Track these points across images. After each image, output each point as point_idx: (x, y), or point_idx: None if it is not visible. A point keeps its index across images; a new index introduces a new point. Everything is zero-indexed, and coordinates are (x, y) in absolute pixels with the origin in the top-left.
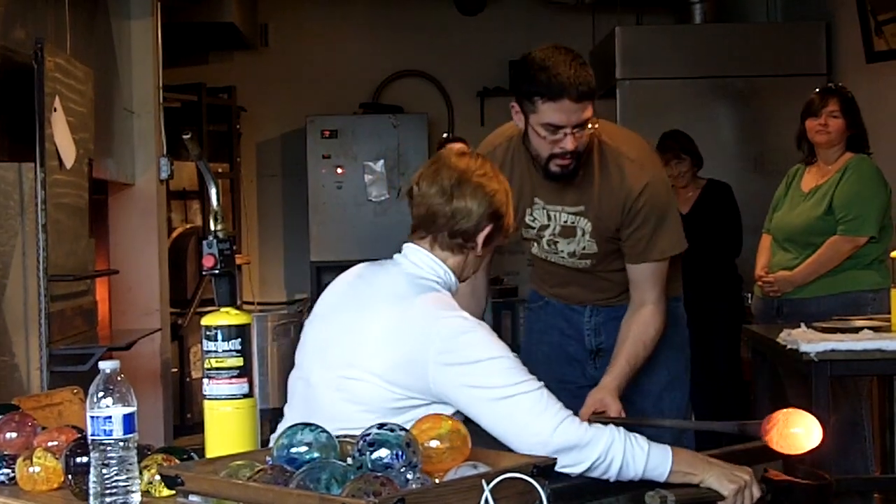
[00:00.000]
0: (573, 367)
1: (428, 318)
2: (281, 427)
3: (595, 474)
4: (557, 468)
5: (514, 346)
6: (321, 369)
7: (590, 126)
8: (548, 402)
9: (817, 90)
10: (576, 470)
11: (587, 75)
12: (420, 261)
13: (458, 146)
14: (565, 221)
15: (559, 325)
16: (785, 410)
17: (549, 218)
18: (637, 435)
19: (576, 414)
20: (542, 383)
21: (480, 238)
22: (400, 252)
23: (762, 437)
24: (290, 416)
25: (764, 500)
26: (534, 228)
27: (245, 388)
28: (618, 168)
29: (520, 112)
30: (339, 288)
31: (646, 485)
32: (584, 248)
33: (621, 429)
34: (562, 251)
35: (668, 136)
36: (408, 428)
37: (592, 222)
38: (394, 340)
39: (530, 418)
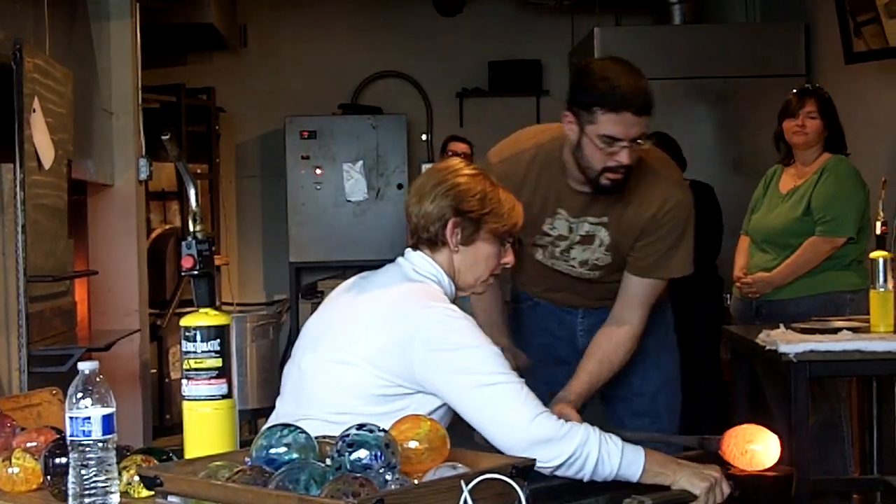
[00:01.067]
0: (563, 368)
1: (417, 305)
2: (271, 420)
3: (571, 472)
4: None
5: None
6: (312, 354)
7: (642, 141)
8: (527, 395)
9: (794, 91)
10: (552, 464)
11: (648, 89)
12: (417, 262)
13: (461, 146)
14: (587, 231)
15: (550, 327)
16: (743, 426)
17: (570, 230)
18: (611, 434)
19: None
20: (522, 379)
21: (449, 232)
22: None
23: (721, 453)
24: (281, 405)
25: (732, 496)
26: (550, 237)
27: (224, 389)
28: (647, 183)
29: (574, 122)
30: (342, 287)
31: (619, 486)
32: (597, 259)
33: (596, 427)
34: (574, 258)
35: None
36: (393, 422)
37: (612, 235)
38: (383, 325)
39: (509, 408)
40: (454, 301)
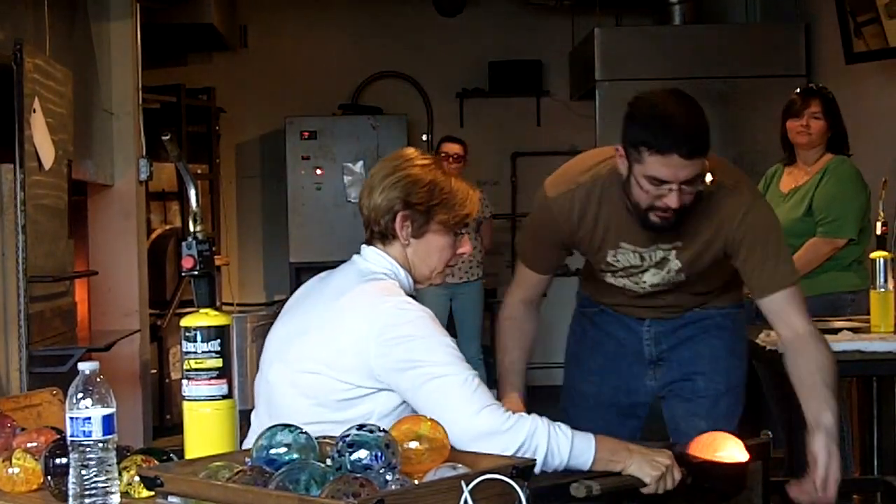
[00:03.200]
0: (629, 377)
1: (371, 301)
2: (250, 436)
3: None
4: None
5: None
6: (279, 366)
7: (700, 183)
8: (476, 387)
9: (798, 90)
10: None
11: (701, 130)
12: (371, 258)
13: (454, 147)
14: (661, 258)
15: (617, 335)
16: (710, 434)
17: (641, 258)
18: (560, 424)
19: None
20: (476, 372)
21: (398, 226)
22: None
23: (690, 458)
24: (255, 420)
25: (685, 482)
26: (616, 268)
27: (224, 390)
28: (715, 199)
29: (624, 157)
30: (301, 291)
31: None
32: (670, 279)
33: (544, 417)
34: (645, 282)
35: None
36: (386, 427)
37: (686, 258)
38: (339, 327)
39: (458, 399)
40: (413, 294)
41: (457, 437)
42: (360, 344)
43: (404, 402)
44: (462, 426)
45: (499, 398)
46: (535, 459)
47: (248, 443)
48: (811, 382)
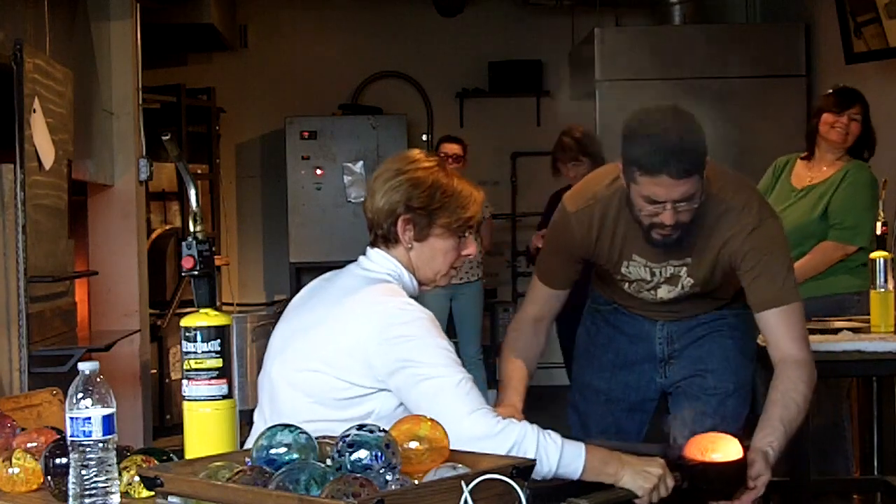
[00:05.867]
0: (640, 374)
1: (372, 302)
2: (254, 433)
3: None
4: None
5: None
6: (280, 365)
7: (697, 199)
8: (469, 391)
9: (840, 87)
10: None
11: (693, 149)
12: (376, 259)
13: (453, 147)
14: (671, 273)
15: (629, 332)
16: (706, 435)
17: (652, 274)
18: (550, 431)
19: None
20: (470, 376)
21: (400, 230)
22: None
23: (685, 462)
24: (258, 419)
25: (680, 487)
26: (629, 279)
27: (224, 390)
28: (723, 218)
29: (624, 176)
30: (304, 292)
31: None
32: (683, 292)
33: (535, 424)
34: (660, 296)
35: (566, 134)
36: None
37: (696, 273)
38: (340, 327)
39: (446, 403)
40: (417, 296)
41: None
42: (360, 343)
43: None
44: (451, 429)
45: (496, 404)
46: (535, 460)
47: (252, 440)
48: (771, 413)
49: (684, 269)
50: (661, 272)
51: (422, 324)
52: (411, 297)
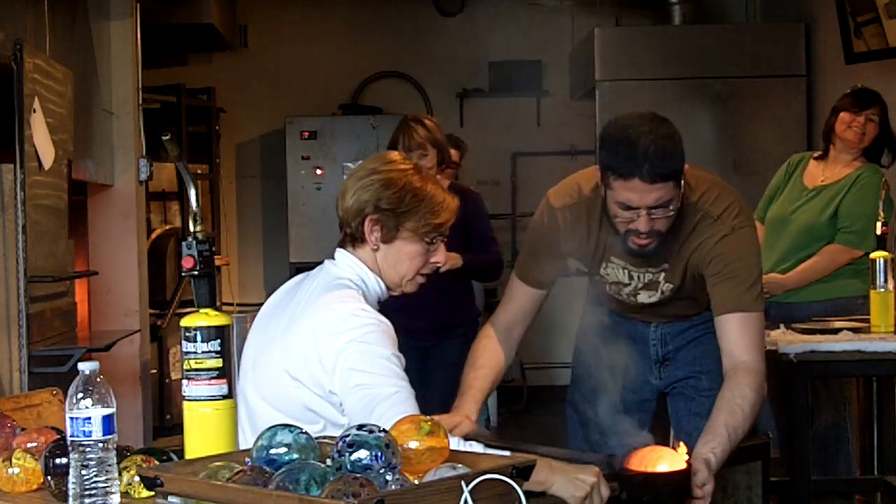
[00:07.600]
0: (636, 375)
1: (325, 308)
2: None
3: None
4: None
5: None
6: (252, 382)
7: (673, 207)
8: (404, 401)
9: (859, 87)
10: None
11: (667, 154)
12: (340, 262)
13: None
14: (649, 280)
15: (625, 334)
16: (650, 448)
17: (630, 277)
18: (473, 443)
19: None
20: (412, 390)
21: (367, 230)
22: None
23: (625, 472)
24: (241, 435)
25: (619, 499)
26: (608, 280)
27: (224, 390)
28: (698, 226)
29: (601, 181)
30: (273, 300)
31: None
32: (663, 297)
33: (459, 438)
34: (640, 301)
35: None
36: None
37: (673, 280)
38: (298, 336)
39: (375, 412)
40: (385, 300)
41: None
42: (312, 351)
43: None
44: None
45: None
46: (535, 460)
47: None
48: (715, 420)
49: (662, 274)
50: (639, 277)
51: (367, 331)
52: (378, 300)
